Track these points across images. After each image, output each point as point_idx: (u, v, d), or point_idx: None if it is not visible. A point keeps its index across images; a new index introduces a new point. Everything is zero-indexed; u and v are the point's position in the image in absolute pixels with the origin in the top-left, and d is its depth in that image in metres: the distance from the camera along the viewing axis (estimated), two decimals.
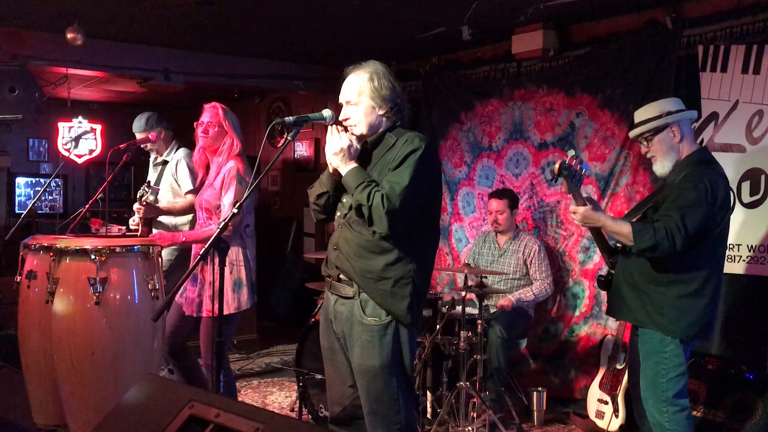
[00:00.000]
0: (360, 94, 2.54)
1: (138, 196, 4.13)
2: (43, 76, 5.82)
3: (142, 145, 4.63)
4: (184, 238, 3.56)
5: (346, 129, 2.55)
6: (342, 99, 2.59)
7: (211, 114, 3.58)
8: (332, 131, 2.54)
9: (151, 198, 4.27)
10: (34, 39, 5.30)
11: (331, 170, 2.59)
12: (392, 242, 2.46)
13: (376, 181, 2.45)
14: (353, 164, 2.51)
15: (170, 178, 4.54)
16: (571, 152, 3.00)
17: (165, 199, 4.50)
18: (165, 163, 4.61)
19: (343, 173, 2.52)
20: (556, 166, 2.94)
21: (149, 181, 4.39)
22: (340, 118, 2.57)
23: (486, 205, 5.11)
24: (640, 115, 3.13)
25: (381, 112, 2.55)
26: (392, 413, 2.51)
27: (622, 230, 2.92)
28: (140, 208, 4.08)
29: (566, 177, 2.95)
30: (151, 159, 4.78)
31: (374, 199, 2.38)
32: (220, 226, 2.49)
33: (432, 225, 2.63)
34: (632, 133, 3.15)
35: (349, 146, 2.51)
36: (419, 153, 2.44)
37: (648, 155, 3.10)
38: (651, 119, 3.06)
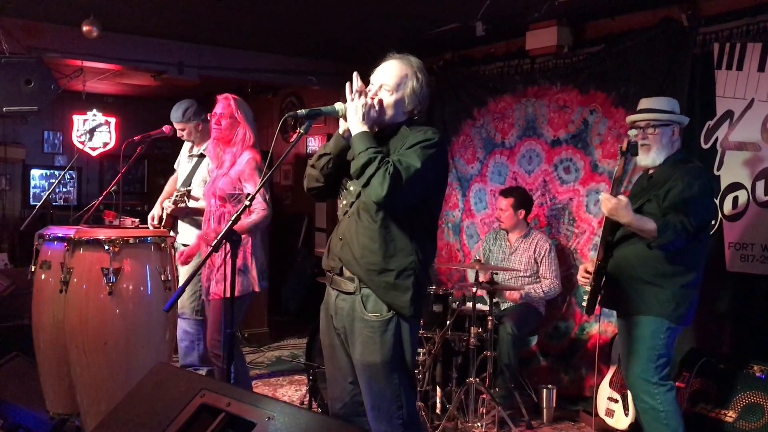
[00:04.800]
0: (399, 86, 2.52)
1: (173, 201, 4.08)
2: (59, 68, 5.85)
3: (179, 135, 4.58)
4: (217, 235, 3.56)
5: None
6: (378, 79, 2.53)
7: (223, 105, 3.64)
8: (357, 79, 2.47)
9: (190, 204, 4.24)
10: (50, 31, 5.33)
11: (341, 130, 2.54)
12: (394, 232, 2.46)
13: (386, 153, 2.42)
14: (366, 128, 2.45)
15: (205, 172, 4.47)
16: (633, 132, 3.21)
17: (197, 194, 4.47)
18: (202, 156, 4.56)
19: (354, 131, 2.45)
20: (625, 143, 3.14)
21: (189, 190, 4.28)
22: (370, 92, 2.50)
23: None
24: (650, 103, 3.30)
25: (407, 109, 2.55)
26: (394, 408, 2.51)
27: (648, 226, 3.05)
28: (171, 207, 4.04)
29: (631, 155, 3.15)
30: (185, 148, 4.72)
31: (383, 164, 2.33)
32: (233, 218, 2.50)
33: (432, 219, 2.61)
34: (640, 117, 3.30)
35: (370, 106, 2.46)
36: (430, 143, 2.44)
37: (642, 142, 3.24)
38: (663, 111, 3.23)
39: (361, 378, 2.53)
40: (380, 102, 2.51)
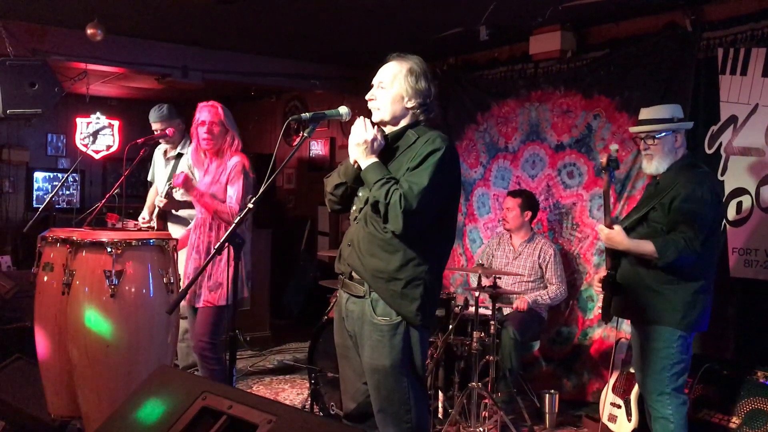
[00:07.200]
0: (394, 80, 2.52)
1: (165, 194, 4.15)
2: (63, 71, 5.86)
3: (160, 140, 4.64)
4: (202, 196, 3.57)
5: (374, 124, 2.54)
6: (375, 80, 2.58)
7: (211, 113, 3.64)
8: (359, 121, 2.52)
9: (177, 195, 4.30)
10: (54, 34, 5.35)
11: (352, 161, 2.56)
12: (406, 242, 2.44)
13: (396, 179, 2.43)
14: (374, 158, 2.49)
15: (186, 170, 4.55)
16: (614, 147, 3.26)
17: (178, 192, 4.53)
18: (179, 156, 4.62)
19: (362, 166, 2.49)
20: (604, 159, 3.19)
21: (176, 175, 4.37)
22: (366, 97, 2.56)
23: (501, 206, 5.10)
24: (649, 113, 3.31)
25: (408, 105, 2.54)
26: (402, 412, 2.50)
27: (647, 249, 3.09)
28: (164, 201, 4.11)
29: (613, 170, 3.19)
30: (160, 151, 4.78)
31: (392, 197, 2.36)
32: (235, 221, 2.50)
33: (448, 227, 2.61)
34: (640, 129, 3.30)
35: (374, 139, 2.49)
36: (440, 154, 2.43)
37: (645, 152, 3.28)
38: (662, 120, 3.24)
39: (370, 380, 2.53)
40: (377, 123, 2.55)
